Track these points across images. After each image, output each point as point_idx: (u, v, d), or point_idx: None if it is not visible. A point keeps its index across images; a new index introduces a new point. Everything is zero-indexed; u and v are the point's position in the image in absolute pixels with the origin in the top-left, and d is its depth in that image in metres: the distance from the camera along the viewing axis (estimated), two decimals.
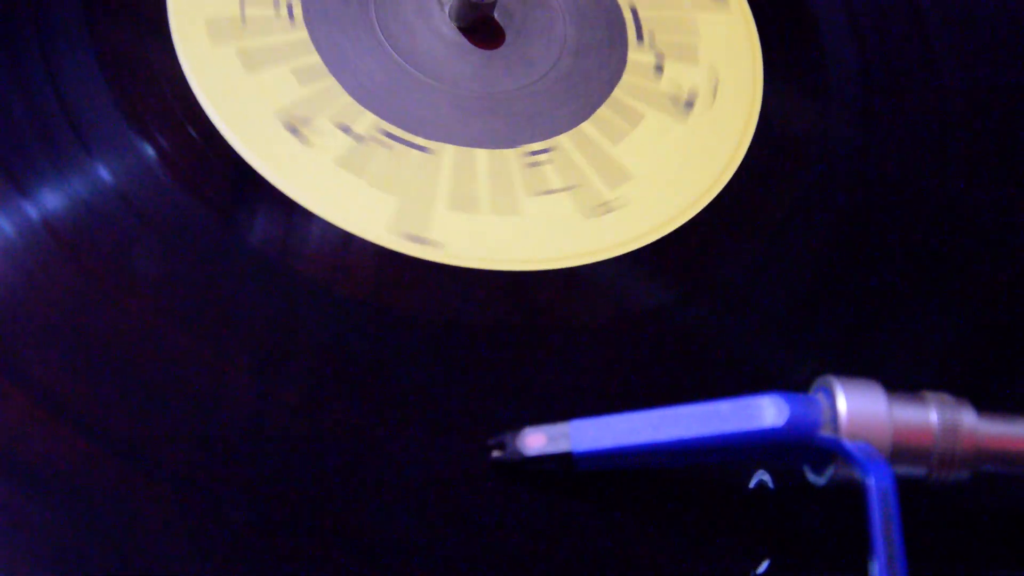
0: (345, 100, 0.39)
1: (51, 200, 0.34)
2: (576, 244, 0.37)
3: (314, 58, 0.40)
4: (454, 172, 0.38)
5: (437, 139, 0.39)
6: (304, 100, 0.38)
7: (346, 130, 0.38)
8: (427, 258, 0.36)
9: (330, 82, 0.39)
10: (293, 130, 0.37)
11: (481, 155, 0.39)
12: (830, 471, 0.30)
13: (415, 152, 0.38)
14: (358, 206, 0.36)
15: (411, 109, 0.39)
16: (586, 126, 0.41)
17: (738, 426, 0.29)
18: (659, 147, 0.41)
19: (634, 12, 0.44)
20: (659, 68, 0.43)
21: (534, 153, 0.39)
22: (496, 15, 0.42)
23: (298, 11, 0.40)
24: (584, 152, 0.40)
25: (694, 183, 0.40)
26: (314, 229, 0.35)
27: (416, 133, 0.39)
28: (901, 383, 0.30)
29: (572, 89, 0.42)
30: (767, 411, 0.29)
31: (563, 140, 0.40)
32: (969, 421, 0.30)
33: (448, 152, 0.39)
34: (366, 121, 0.39)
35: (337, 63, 0.40)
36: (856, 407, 0.29)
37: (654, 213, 0.39)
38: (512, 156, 0.39)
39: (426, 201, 0.37)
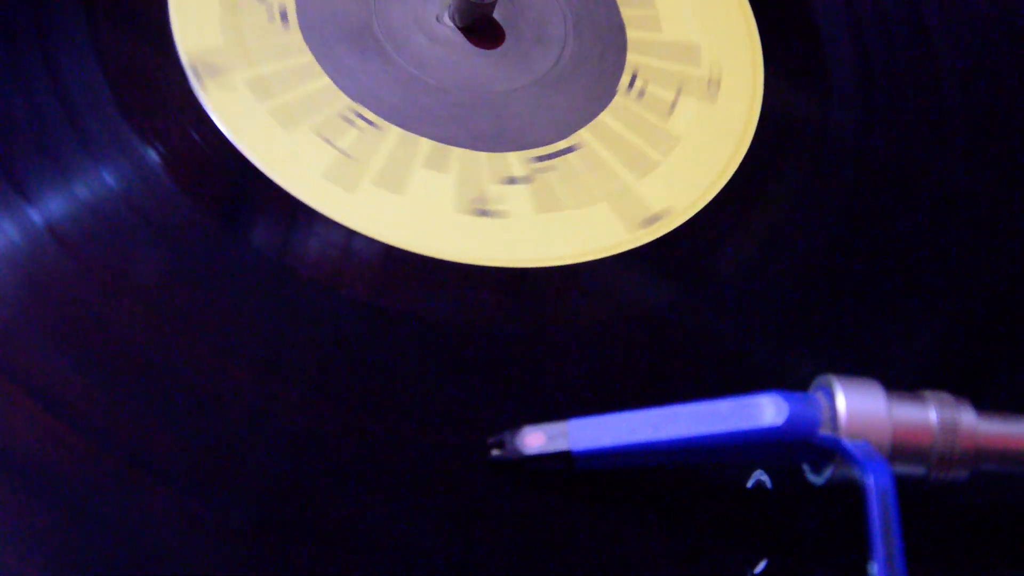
0: (343, 101, 0.39)
1: (54, 203, 0.34)
2: (570, 243, 0.38)
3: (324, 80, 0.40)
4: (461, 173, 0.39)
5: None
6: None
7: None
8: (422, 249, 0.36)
9: (326, 82, 0.39)
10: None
11: (482, 157, 0.39)
12: (829, 470, 0.30)
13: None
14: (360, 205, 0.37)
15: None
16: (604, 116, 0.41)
17: (737, 425, 0.29)
18: (659, 148, 0.41)
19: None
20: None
21: (540, 159, 0.40)
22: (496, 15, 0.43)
23: (292, 16, 0.41)
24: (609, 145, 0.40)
25: (692, 180, 0.40)
26: (316, 228, 0.35)
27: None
28: (900, 382, 0.30)
29: (572, 90, 0.42)
30: (766, 410, 0.29)
31: (584, 134, 0.40)
32: (968, 420, 0.30)
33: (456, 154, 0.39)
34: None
35: (334, 66, 0.40)
36: (855, 406, 0.29)
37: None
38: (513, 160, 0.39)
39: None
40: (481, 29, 0.42)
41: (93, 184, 0.34)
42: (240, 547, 0.29)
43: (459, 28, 0.42)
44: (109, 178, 0.35)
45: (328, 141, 0.38)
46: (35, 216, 0.33)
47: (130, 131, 0.36)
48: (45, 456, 0.29)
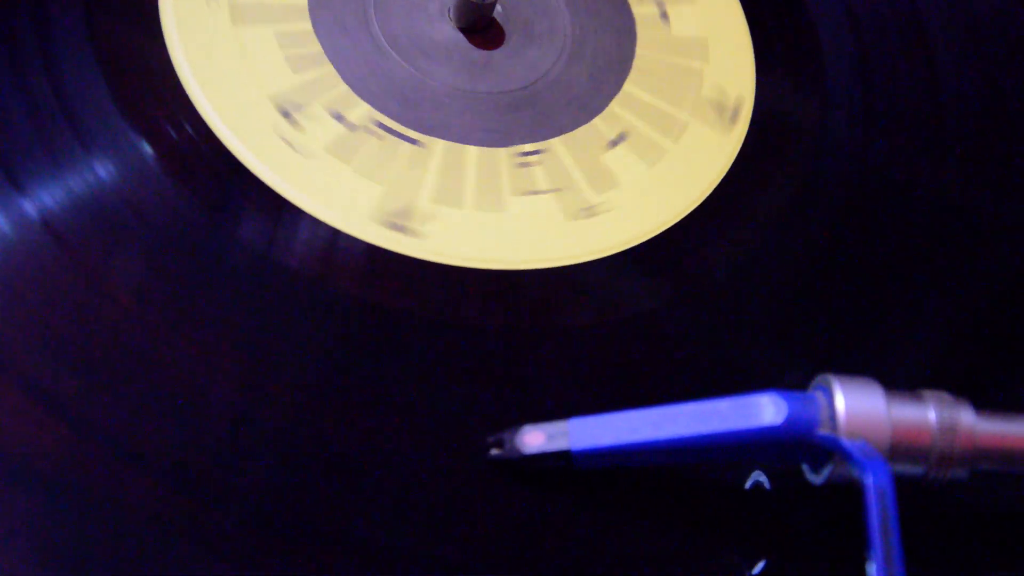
0: (341, 89, 0.39)
1: (48, 197, 0.34)
2: (560, 245, 0.37)
3: (315, 47, 0.40)
4: (443, 166, 0.38)
5: (429, 134, 0.39)
6: (299, 87, 0.39)
7: (339, 118, 0.38)
8: (410, 249, 0.36)
9: (327, 70, 0.39)
10: (285, 114, 0.38)
11: (471, 152, 0.39)
12: (828, 470, 0.30)
13: (405, 144, 0.38)
14: (344, 193, 0.36)
15: (405, 103, 0.39)
16: (581, 131, 0.41)
17: (737, 424, 0.29)
18: (652, 155, 0.41)
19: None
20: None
21: (525, 154, 0.39)
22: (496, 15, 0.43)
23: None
24: (575, 156, 0.40)
25: (690, 180, 0.40)
26: (304, 224, 0.35)
27: (409, 126, 0.39)
28: (900, 382, 0.30)
29: (570, 92, 0.42)
30: (766, 409, 0.29)
31: (555, 143, 0.40)
32: (967, 420, 0.30)
33: (438, 147, 0.39)
34: (360, 111, 0.39)
35: (334, 55, 0.40)
36: (854, 405, 0.29)
37: (642, 217, 0.39)
38: (502, 155, 0.39)
39: (412, 192, 0.37)
40: (481, 29, 0.42)
41: (88, 178, 0.34)
42: (236, 546, 0.29)
43: (459, 28, 0.42)
44: (104, 172, 0.35)
45: (322, 138, 0.38)
46: (30, 209, 0.33)
47: (125, 125, 0.36)
48: (33, 450, 0.29)
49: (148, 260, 0.33)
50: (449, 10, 0.42)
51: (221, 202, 0.35)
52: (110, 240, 0.33)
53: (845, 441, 0.29)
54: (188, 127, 0.37)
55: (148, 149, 0.36)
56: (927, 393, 0.30)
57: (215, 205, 0.35)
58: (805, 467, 0.31)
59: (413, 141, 0.39)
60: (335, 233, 0.35)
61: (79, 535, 0.28)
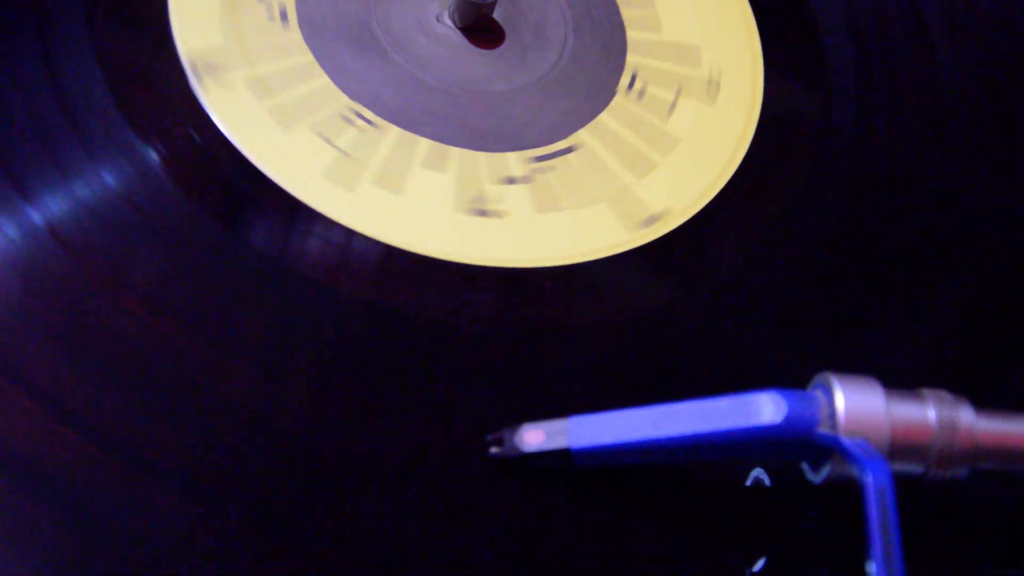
0: (340, 93, 0.39)
1: (54, 203, 0.34)
2: (561, 245, 0.37)
3: (308, 57, 0.40)
4: (442, 168, 0.38)
5: (430, 135, 0.39)
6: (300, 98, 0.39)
7: (348, 121, 0.38)
8: (418, 250, 0.36)
9: (324, 81, 0.39)
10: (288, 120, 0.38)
11: (481, 157, 0.39)
12: (828, 468, 0.30)
13: (407, 144, 0.38)
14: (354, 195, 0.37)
15: (405, 102, 0.40)
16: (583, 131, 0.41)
17: (736, 423, 0.29)
18: (659, 149, 0.41)
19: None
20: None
21: (539, 159, 0.39)
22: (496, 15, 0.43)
23: (292, 15, 0.41)
24: (580, 158, 0.40)
25: (692, 181, 0.40)
26: (316, 228, 0.36)
27: (409, 127, 0.39)
28: (899, 380, 0.30)
29: (571, 90, 0.42)
30: (765, 408, 0.29)
31: (583, 135, 0.40)
32: (967, 418, 0.30)
33: (442, 148, 0.39)
34: (361, 112, 0.39)
35: (333, 65, 0.40)
36: (854, 404, 0.29)
37: (642, 217, 0.39)
38: (511, 158, 0.39)
39: (422, 195, 0.37)
40: (481, 29, 0.42)
41: (93, 184, 0.34)
42: (240, 547, 0.29)
43: (459, 28, 0.42)
44: (109, 178, 0.35)
45: (327, 140, 0.38)
46: (35, 216, 0.33)
47: (130, 131, 0.36)
48: (44, 456, 0.29)
49: (158, 265, 0.33)
50: (449, 10, 0.42)
51: (230, 206, 0.35)
52: (117, 246, 0.33)
53: (845, 440, 0.29)
54: (194, 131, 0.37)
55: (154, 154, 0.36)
56: (927, 392, 0.30)
57: (222, 208, 0.35)
58: (805, 466, 0.31)
59: (415, 142, 0.39)
60: (349, 234, 0.35)
61: (85, 538, 0.28)
